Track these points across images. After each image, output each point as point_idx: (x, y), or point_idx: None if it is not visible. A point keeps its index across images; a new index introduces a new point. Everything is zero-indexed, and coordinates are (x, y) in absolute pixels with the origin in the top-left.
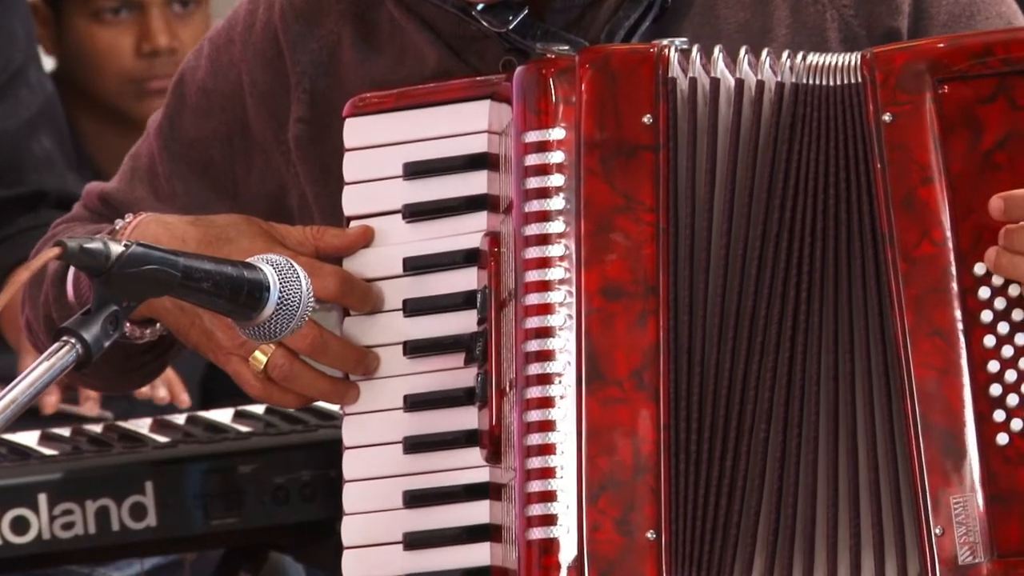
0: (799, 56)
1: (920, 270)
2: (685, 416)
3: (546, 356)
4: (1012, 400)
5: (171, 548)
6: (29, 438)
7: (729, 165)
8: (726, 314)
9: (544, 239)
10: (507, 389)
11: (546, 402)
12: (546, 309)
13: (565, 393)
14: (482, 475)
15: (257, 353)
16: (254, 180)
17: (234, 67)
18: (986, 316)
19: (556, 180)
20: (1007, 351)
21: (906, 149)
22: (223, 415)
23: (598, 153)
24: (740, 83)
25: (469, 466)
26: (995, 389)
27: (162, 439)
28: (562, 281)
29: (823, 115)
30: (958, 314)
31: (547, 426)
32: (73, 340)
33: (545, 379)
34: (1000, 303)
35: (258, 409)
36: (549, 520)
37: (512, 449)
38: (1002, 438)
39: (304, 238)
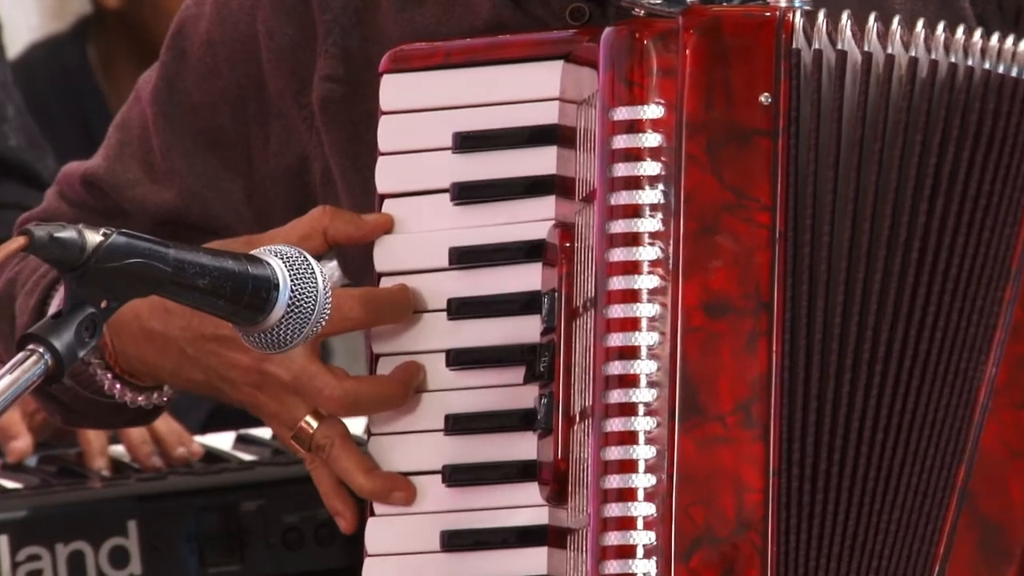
0: (942, 28)
1: None
2: (799, 461)
3: (630, 381)
4: None
5: None
6: None
7: (853, 157)
8: (845, 338)
9: (633, 239)
10: (577, 417)
11: (628, 437)
12: (632, 324)
13: (653, 428)
14: (539, 516)
15: (308, 420)
16: (272, 152)
17: (246, 14)
18: None
19: (650, 168)
20: None
21: None
22: (222, 440)
23: (703, 137)
24: (868, 57)
25: (523, 504)
26: None
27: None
28: (654, 291)
29: (978, 107)
30: None
31: (628, 467)
32: (41, 349)
33: (628, 409)
34: None
35: (264, 434)
36: None
37: (583, 490)
38: None
39: (311, 230)
